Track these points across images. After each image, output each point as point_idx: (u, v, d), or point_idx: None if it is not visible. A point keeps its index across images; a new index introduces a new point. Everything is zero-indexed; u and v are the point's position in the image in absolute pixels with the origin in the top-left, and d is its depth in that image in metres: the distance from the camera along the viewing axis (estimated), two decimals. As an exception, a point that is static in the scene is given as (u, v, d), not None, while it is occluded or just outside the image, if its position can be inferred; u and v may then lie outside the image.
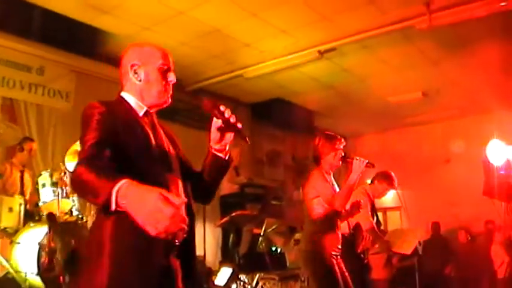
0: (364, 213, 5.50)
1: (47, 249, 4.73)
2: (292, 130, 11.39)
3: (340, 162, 4.39)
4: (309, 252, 4.20)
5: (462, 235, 9.93)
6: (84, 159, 1.98)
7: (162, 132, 2.39)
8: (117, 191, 1.76)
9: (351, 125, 11.78)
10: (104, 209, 1.86)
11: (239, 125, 2.31)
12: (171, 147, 2.38)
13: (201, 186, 2.48)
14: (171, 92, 2.38)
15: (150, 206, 1.69)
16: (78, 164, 1.98)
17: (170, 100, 2.39)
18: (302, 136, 11.73)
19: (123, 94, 2.36)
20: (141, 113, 2.31)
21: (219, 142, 2.38)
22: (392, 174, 6.20)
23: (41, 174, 5.63)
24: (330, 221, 4.24)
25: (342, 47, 7.82)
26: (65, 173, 5.43)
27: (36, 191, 5.66)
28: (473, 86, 9.34)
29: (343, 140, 4.44)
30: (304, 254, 4.27)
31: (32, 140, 6.49)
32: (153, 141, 2.25)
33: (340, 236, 4.30)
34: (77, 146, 5.56)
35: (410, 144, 11.51)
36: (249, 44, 7.80)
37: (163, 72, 2.34)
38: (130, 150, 2.13)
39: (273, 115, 10.57)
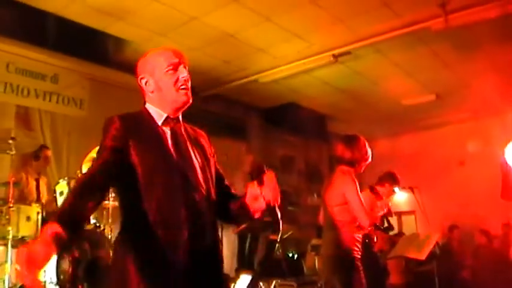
0: None
1: (70, 259, 4.67)
2: (304, 135, 11.33)
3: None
4: (338, 257, 4.05)
5: (479, 238, 9.81)
6: (82, 180, 2.15)
7: (188, 140, 2.32)
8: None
9: (364, 129, 11.55)
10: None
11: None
12: (196, 157, 2.29)
13: (223, 210, 2.39)
14: (188, 87, 2.30)
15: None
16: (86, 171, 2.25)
17: (189, 96, 2.30)
18: (314, 141, 11.68)
19: (146, 105, 2.34)
20: (160, 122, 2.28)
21: (252, 210, 2.28)
22: (395, 173, 6.11)
23: (58, 182, 5.60)
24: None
25: (356, 51, 7.77)
26: (82, 180, 5.38)
27: (53, 199, 5.62)
28: (487, 87, 9.24)
29: None
30: (332, 259, 4.11)
31: (47, 147, 6.47)
32: (172, 151, 2.22)
33: (360, 238, 4.19)
34: (93, 154, 5.53)
35: (424, 147, 11.42)
36: (262, 49, 7.76)
37: (172, 74, 2.28)
38: (144, 163, 2.15)
39: (286, 120, 10.50)
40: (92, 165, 2.16)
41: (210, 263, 2.22)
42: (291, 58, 8.06)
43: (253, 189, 2.22)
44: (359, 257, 4.08)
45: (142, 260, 2.08)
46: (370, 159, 4.22)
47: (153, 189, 2.13)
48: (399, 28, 7.04)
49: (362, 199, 4.02)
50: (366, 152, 4.19)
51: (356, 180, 4.08)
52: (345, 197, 4.00)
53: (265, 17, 6.80)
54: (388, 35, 7.19)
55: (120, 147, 2.12)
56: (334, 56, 7.76)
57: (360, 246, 4.10)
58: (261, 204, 2.21)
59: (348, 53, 7.78)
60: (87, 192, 2.01)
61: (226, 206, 2.39)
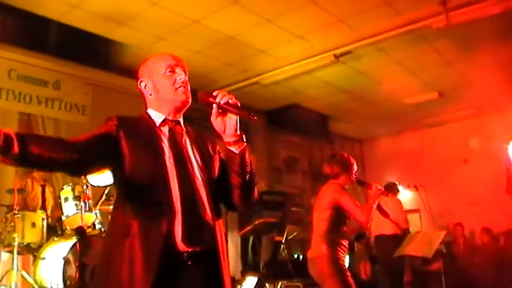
0: None
1: (77, 264, 4.66)
2: (307, 135, 11.33)
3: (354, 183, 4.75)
4: (332, 257, 4.34)
5: (482, 236, 9.78)
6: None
7: (188, 139, 2.33)
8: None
9: (367, 128, 11.73)
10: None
11: (237, 102, 2.21)
12: (195, 158, 2.28)
13: (229, 192, 2.33)
14: (186, 88, 2.33)
15: None
16: None
17: (188, 96, 2.32)
18: (318, 141, 11.66)
19: (147, 110, 2.37)
20: (158, 123, 2.29)
21: (225, 132, 2.24)
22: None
23: (62, 188, 5.58)
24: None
25: (357, 50, 7.77)
26: (87, 186, 5.38)
27: (58, 205, 5.61)
28: (489, 84, 9.23)
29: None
30: (326, 258, 4.34)
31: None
32: (167, 148, 2.22)
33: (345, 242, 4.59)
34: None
35: (427, 145, 11.41)
36: (264, 51, 7.76)
37: (170, 75, 2.32)
38: (139, 165, 2.16)
39: (289, 121, 10.51)
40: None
41: (208, 265, 2.16)
42: (292, 59, 8.05)
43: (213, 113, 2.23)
44: (344, 258, 4.46)
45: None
46: (353, 171, 4.65)
47: (137, 181, 2.15)
48: (400, 26, 7.03)
49: (353, 200, 4.46)
50: (345, 165, 4.64)
51: (344, 188, 4.54)
52: (331, 203, 4.42)
53: (265, 18, 6.80)
54: (389, 33, 7.19)
55: (111, 133, 2.16)
56: (335, 56, 7.75)
57: (344, 249, 4.47)
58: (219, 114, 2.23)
59: (349, 52, 7.77)
60: (61, 142, 2.02)
61: (228, 184, 2.33)
